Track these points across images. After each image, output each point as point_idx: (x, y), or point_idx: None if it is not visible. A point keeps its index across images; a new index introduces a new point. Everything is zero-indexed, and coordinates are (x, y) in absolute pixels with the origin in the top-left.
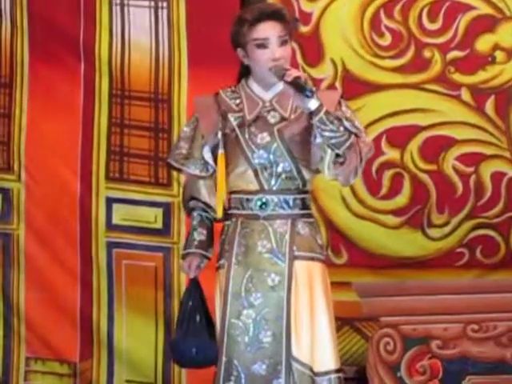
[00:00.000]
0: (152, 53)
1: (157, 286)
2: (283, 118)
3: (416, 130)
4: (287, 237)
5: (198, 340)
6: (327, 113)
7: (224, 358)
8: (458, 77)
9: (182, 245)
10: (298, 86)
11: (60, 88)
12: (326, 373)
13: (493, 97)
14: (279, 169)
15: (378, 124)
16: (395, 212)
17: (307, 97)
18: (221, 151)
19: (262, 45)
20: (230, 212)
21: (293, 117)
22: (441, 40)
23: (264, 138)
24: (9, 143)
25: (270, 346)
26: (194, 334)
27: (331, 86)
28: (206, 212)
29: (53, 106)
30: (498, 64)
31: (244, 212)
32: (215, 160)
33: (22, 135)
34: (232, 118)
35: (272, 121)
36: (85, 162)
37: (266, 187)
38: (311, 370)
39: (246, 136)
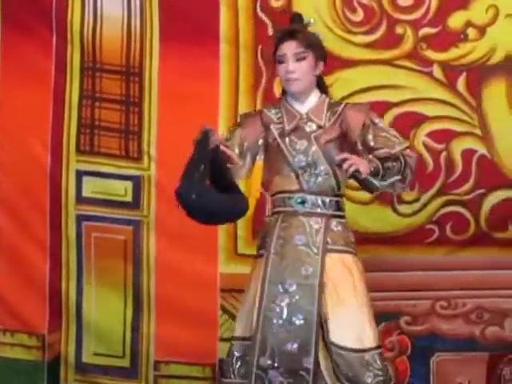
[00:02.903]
0: (124, 26)
1: (126, 260)
2: (319, 127)
3: (387, 106)
4: (322, 232)
5: (198, 187)
6: (384, 168)
7: (259, 337)
8: (429, 53)
9: (151, 218)
10: (364, 184)
11: (32, 60)
12: (368, 350)
13: (464, 74)
14: (317, 170)
15: (350, 100)
16: None
17: (377, 189)
18: (259, 157)
19: (281, 61)
20: (274, 210)
21: (328, 125)
22: (413, 16)
23: (303, 143)
24: None
25: (301, 328)
26: (194, 181)
27: None
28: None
29: (24, 78)
30: (470, 41)
31: (285, 209)
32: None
33: None
34: (273, 129)
35: (309, 130)
36: (55, 135)
37: (305, 187)
38: (357, 350)
39: (287, 143)
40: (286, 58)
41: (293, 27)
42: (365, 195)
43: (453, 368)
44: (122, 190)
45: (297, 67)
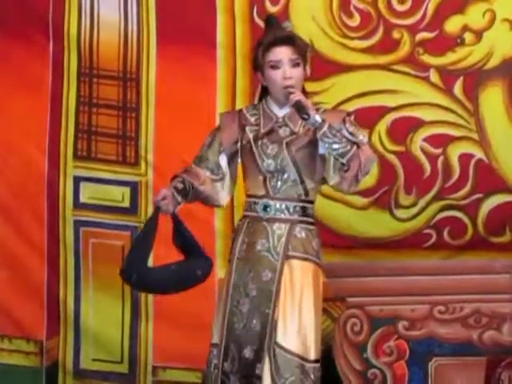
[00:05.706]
0: (121, 31)
1: None
2: (293, 133)
3: (384, 110)
4: (284, 238)
5: (139, 266)
6: (330, 127)
7: (224, 341)
8: (426, 58)
9: None
10: (297, 110)
11: (29, 66)
12: (310, 361)
13: (461, 78)
14: (285, 176)
15: (347, 105)
16: (363, 193)
17: (303, 119)
18: (239, 160)
19: (276, 66)
20: (243, 214)
21: (301, 132)
22: (410, 21)
23: (273, 149)
24: None
25: (257, 333)
26: (136, 260)
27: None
28: (191, 185)
29: (21, 85)
30: (466, 46)
31: (251, 214)
32: (230, 167)
33: None
34: (249, 131)
35: (283, 134)
36: (53, 141)
37: (271, 193)
38: (300, 357)
39: (259, 147)
40: (282, 64)
41: (287, 33)
42: (362, 200)
43: (451, 372)
44: (119, 195)
45: (293, 73)
